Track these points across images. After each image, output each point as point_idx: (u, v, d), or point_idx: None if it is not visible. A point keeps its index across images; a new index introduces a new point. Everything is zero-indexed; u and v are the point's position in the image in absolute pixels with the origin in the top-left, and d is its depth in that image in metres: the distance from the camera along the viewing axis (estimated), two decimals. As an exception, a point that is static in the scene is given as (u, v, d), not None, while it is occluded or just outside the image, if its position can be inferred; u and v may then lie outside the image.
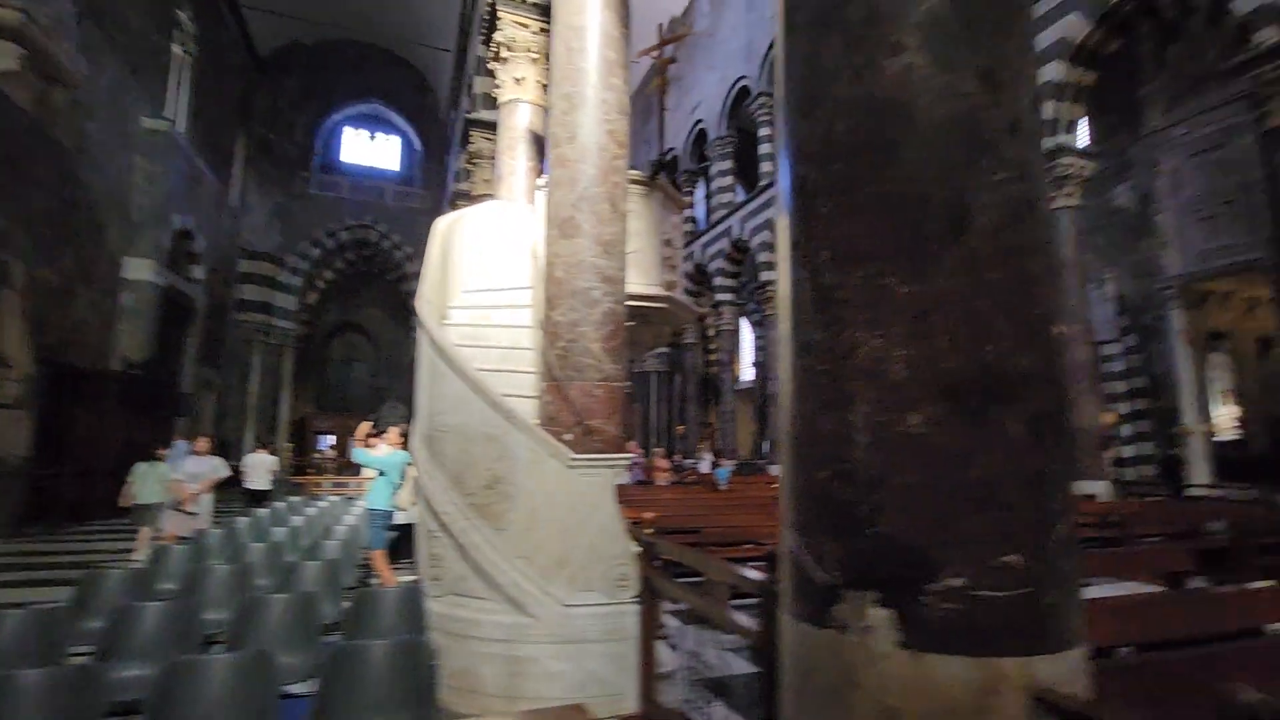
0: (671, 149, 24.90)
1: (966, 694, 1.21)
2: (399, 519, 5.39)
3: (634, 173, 5.05)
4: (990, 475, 1.29)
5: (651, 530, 3.70)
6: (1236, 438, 14.29)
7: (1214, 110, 12.53)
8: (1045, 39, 10.63)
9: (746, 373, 25.66)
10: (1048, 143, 10.52)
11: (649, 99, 27.47)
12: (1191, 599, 3.01)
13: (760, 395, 24.32)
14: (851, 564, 1.35)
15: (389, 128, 26.13)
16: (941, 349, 1.32)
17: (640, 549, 3.25)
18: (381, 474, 5.30)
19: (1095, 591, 4.75)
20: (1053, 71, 10.51)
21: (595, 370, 4.07)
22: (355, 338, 25.83)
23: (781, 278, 1.65)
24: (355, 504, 7.78)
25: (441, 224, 5.13)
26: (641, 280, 5.12)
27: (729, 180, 21.10)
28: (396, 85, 24.49)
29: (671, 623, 4.00)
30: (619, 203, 4.36)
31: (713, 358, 24.37)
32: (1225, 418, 14.22)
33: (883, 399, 1.35)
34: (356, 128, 25.88)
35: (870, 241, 1.41)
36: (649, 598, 3.14)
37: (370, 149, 26.18)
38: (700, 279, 22.49)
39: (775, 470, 17.30)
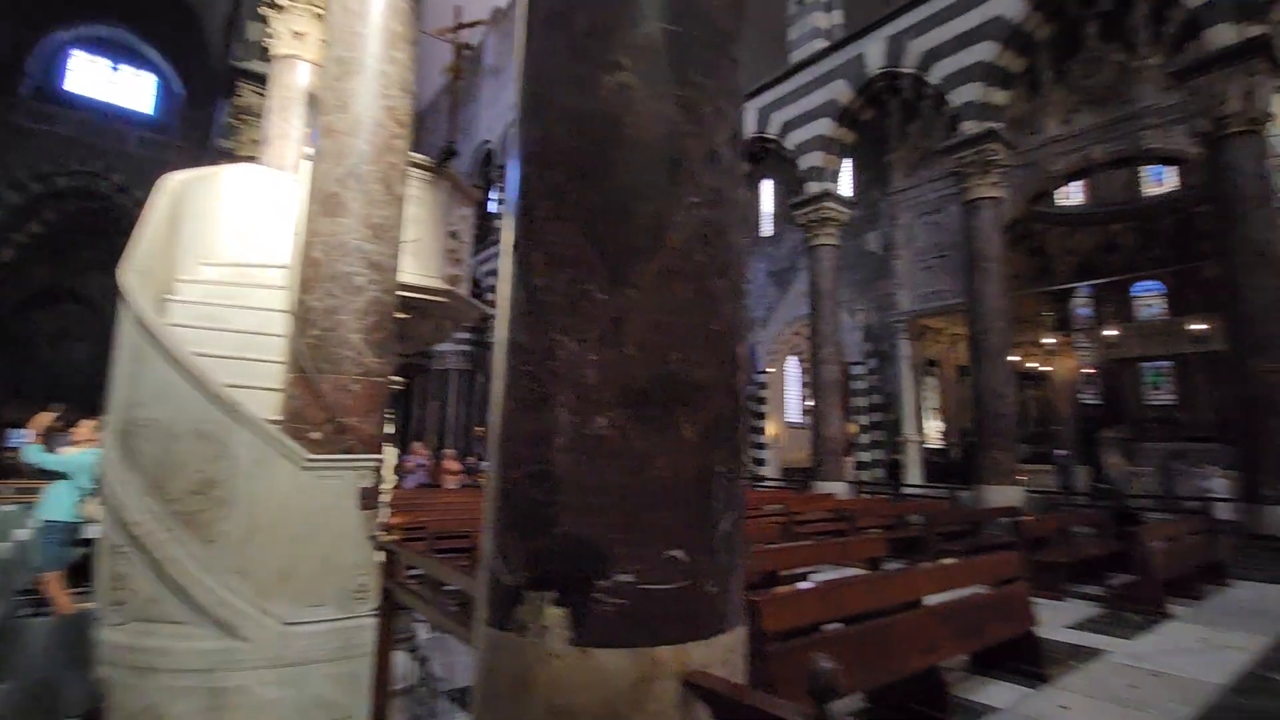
0: (486, 141, 24.26)
1: (626, 684, 1.27)
2: (90, 533, 4.42)
3: (417, 156, 4.76)
4: (666, 476, 1.38)
5: (398, 536, 3.48)
6: (941, 446, 17.65)
7: (935, 180, 15.41)
8: (818, 98, 12.25)
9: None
10: (814, 188, 12.12)
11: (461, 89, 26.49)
12: (873, 579, 3.60)
13: None
14: (535, 564, 1.36)
15: (140, 61, 21.84)
16: (630, 356, 1.39)
17: (384, 557, 3.03)
18: (64, 477, 4.31)
19: (821, 576, 5.52)
20: (823, 127, 12.13)
21: (354, 363, 3.73)
22: (72, 308, 21.00)
23: (501, 278, 1.63)
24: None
25: (173, 181, 4.35)
26: (420, 271, 4.84)
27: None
28: (151, 10, 20.40)
29: (423, 633, 3.80)
30: (394, 185, 4.07)
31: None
32: (933, 430, 17.48)
33: (576, 401, 1.38)
34: (92, 54, 21.23)
35: (577, 248, 1.44)
36: (389, 609, 2.93)
37: (112, 83, 21.62)
38: (476, 292, 22.23)
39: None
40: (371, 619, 2.99)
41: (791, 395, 21.52)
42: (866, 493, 13.85)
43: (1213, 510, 8.33)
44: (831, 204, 11.97)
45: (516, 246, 1.56)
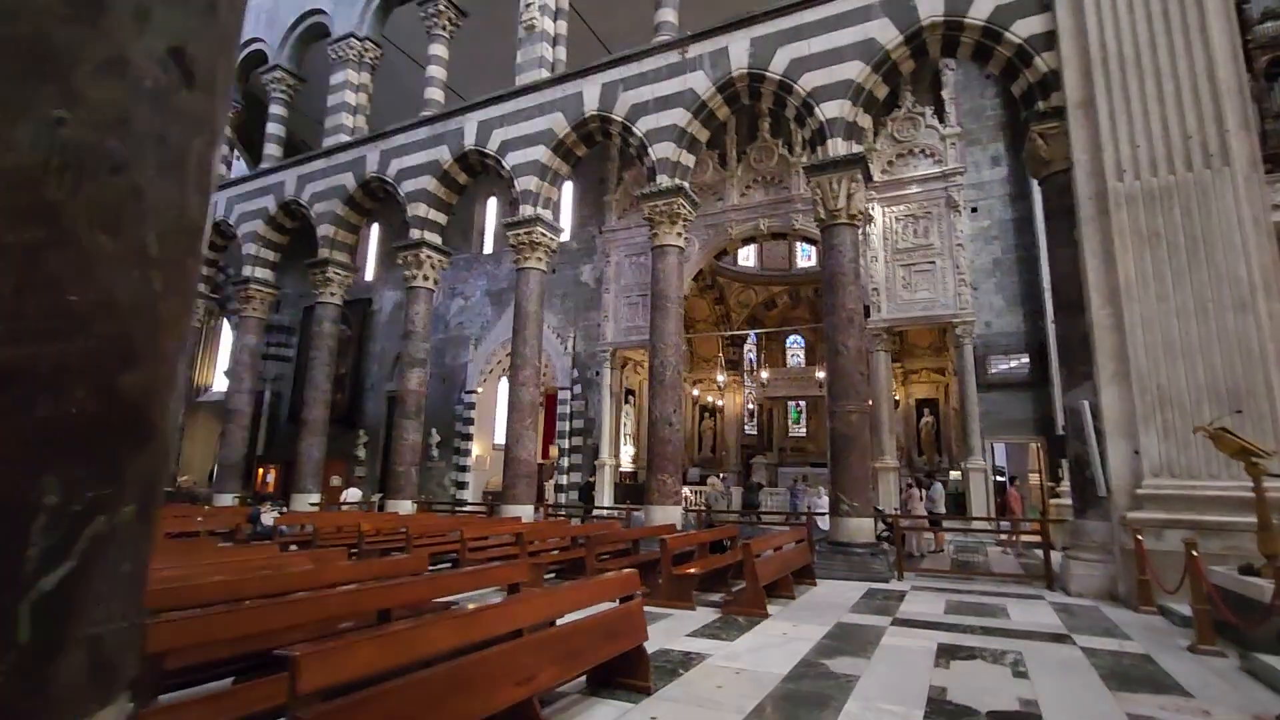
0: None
1: None
2: None
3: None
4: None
5: None
6: (632, 469, 19.07)
7: (643, 225, 16.91)
8: (538, 125, 12.46)
9: (219, 381, 21.49)
10: (527, 211, 12.23)
11: None
12: (466, 615, 3.38)
13: (256, 408, 20.58)
14: None
15: None
16: None
17: None
18: None
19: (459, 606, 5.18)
20: (539, 153, 12.34)
21: None
22: None
23: None
24: None
25: None
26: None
27: (222, 151, 17.67)
28: None
29: None
30: None
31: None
32: (627, 455, 18.83)
33: None
34: None
35: None
36: None
37: None
38: None
39: (227, 500, 14.59)
40: None
41: (501, 417, 21.26)
42: (556, 514, 14.16)
43: (815, 522, 10.30)
44: (542, 229, 12.19)
45: None
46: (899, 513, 11.41)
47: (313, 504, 13.10)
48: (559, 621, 3.87)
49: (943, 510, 12.56)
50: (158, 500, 1.25)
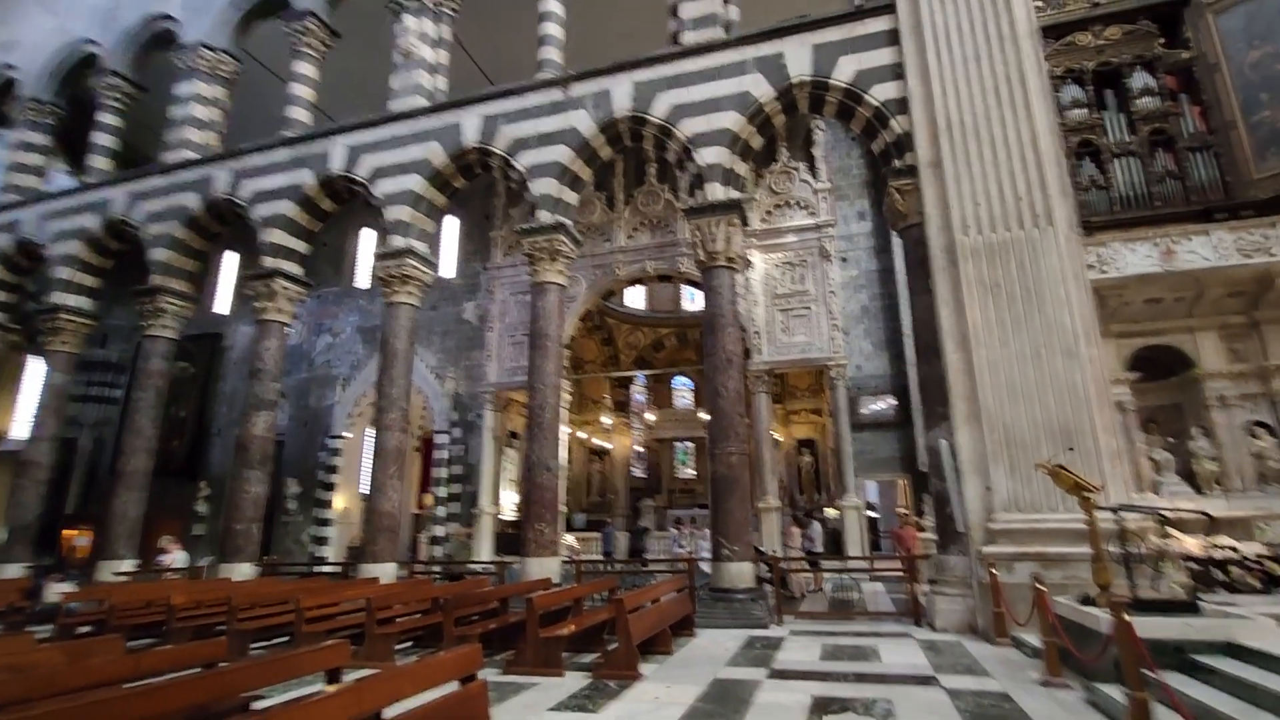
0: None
1: None
2: None
3: None
4: None
5: None
6: (515, 518, 18.04)
7: (526, 263, 16.49)
8: (413, 153, 11.81)
9: (20, 428, 18.12)
10: (398, 242, 11.44)
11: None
12: None
13: (68, 459, 17.26)
14: None
15: None
16: None
17: None
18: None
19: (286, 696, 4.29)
20: (413, 183, 11.66)
21: None
22: None
23: None
24: None
25: None
26: None
27: (36, 159, 15.39)
28: None
29: None
30: None
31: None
32: (509, 502, 17.81)
33: None
34: None
35: None
36: None
37: None
38: None
39: (13, 571, 12.04)
40: None
41: (370, 464, 19.58)
42: (429, 571, 12.96)
43: (697, 568, 10.01)
44: (415, 262, 11.41)
45: None
46: (779, 555, 11.42)
47: (121, 573, 11.03)
48: (390, 713, 3.20)
49: (820, 549, 12.78)
50: None
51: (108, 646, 4.50)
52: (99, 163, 14.31)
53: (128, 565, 11.37)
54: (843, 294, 16.10)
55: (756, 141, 10.44)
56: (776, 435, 18.15)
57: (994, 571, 6.93)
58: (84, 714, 2.56)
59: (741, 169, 10.36)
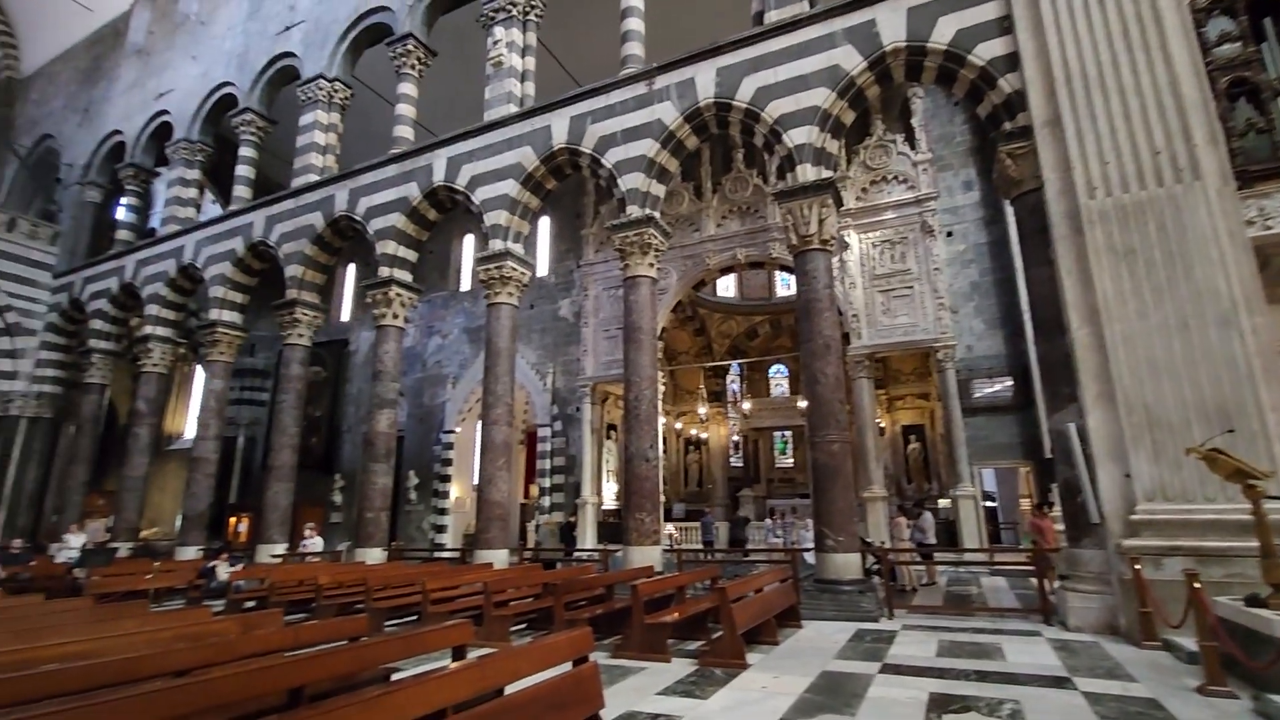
0: (118, 132, 19.41)
1: None
2: None
3: None
4: None
5: None
6: (615, 508, 18.47)
7: (618, 258, 16.76)
8: (507, 159, 12.33)
9: (190, 429, 20.79)
10: (496, 245, 11.99)
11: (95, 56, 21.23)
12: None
13: (228, 455, 19.77)
14: None
15: None
16: None
17: None
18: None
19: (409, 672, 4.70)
20: (508, 188, 12.17)
21: None
22: None
23: None
24: None
25: None
26: None
27: (191, 193, 17.44)
28: None
29: None
30: None
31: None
32: (610, 493, 18.25)
33: None
34: None
35: None
36: None
37: None
38: (129, 301, 17.52)
39: (191, 553, 13.87)
40: None
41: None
42: (531, 559, 13.57)
43: (800, 559, 9.83)
44: (513, 263, 11.93)
45: None
46: (886, 545, 10.97)
47: (275, 556, 12.43)
48: (510, 689, 3.44)
49: (933, 540, 12.13)
50: None
51: (270, 620, 5.10)
52: (241, 191, 16.06)
53: (280, 549, 12.78)
54: (949, 271, 15.12)
55: (848, 117, 10.00)
56: (880, 422, 17.38)
57: (1138, 567, 6.30)
58: (259, 677, 2.94)
59: (833, 147, 9.98)
